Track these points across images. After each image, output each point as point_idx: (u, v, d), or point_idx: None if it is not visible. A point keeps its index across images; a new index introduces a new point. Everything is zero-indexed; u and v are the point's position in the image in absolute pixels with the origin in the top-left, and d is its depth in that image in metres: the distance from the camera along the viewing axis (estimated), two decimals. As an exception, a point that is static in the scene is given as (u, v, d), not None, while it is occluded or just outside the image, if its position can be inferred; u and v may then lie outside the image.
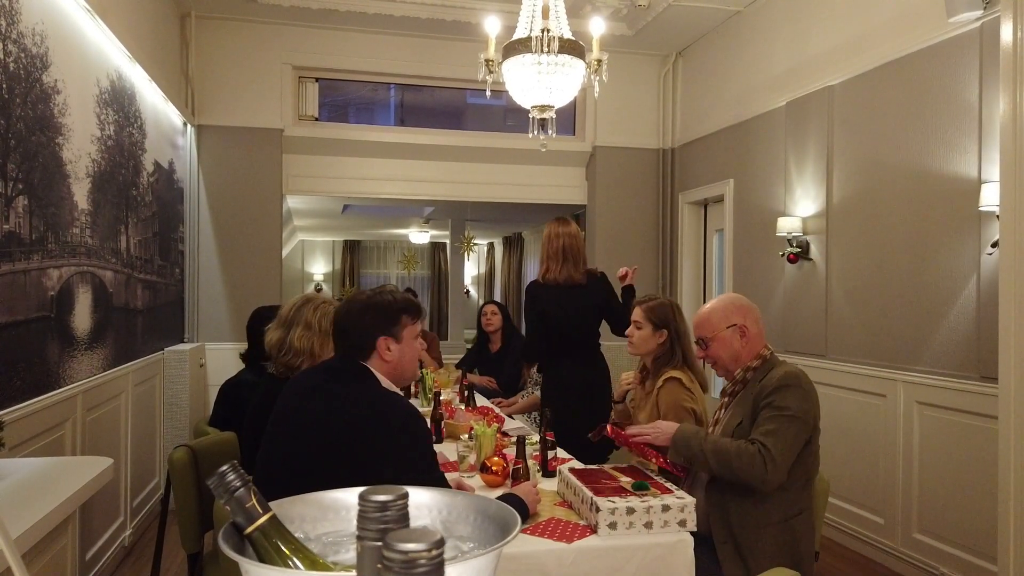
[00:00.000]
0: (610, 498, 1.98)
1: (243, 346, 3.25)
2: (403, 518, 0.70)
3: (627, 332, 2.91)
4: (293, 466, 1.90)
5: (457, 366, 5.06)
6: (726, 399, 2.42)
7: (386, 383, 2.02)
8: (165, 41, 4.81)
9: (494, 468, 2.40)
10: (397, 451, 1.89)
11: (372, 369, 2.01)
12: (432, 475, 1.93)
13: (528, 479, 2.34)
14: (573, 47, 3.09)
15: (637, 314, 2.89)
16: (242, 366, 3.20)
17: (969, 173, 3.44)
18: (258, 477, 1.97)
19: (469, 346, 5.96)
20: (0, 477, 1.71)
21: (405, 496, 0.71)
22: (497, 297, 13.27)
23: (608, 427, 2.47)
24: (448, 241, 9.78)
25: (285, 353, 2.59)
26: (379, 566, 0.60)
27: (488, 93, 3.28)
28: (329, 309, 2.67)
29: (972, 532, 3.36)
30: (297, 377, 2.17)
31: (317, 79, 5.82)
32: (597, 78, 3.22)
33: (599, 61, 3.21)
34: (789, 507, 2.19)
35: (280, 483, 1.48)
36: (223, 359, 5.18)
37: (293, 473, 1.83)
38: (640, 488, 2.05)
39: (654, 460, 2.36)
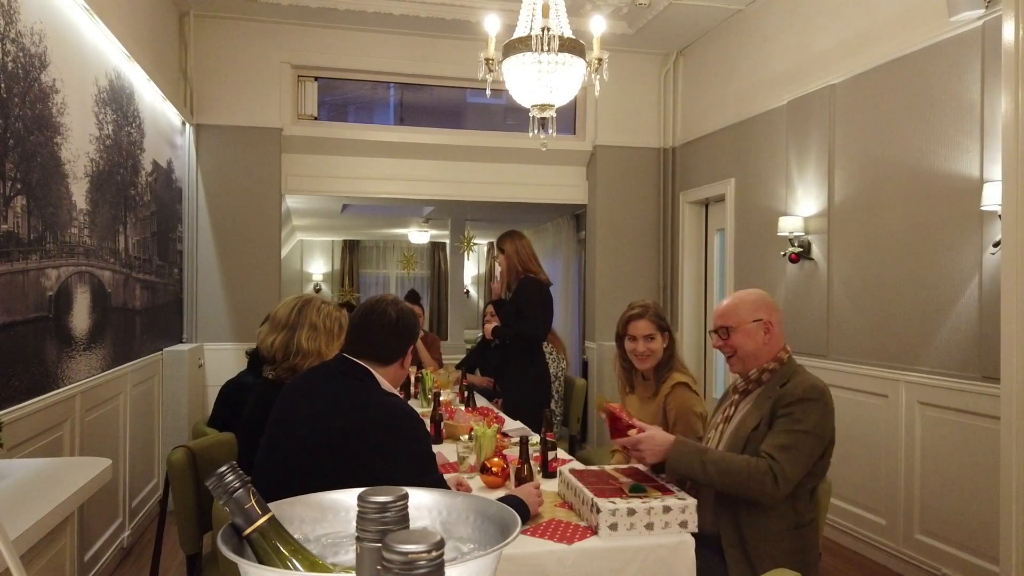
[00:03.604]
0: (611, 499, 1.97)
1: (242, 346, 3.24)
2: (403, 519, 0.69)
3: (641, 350, 2.80)
4: (293, 467, 1.90)
5: (457, 367, 5.05)
6: (736, 396, 2.35)
7: (386, 385, 2.03)
8: (164, 40, 4.80)
9: (494, 469, 2.39)
10: (396, 452, 1.88)
11: (374, 372, 2.01)
12: (431, 476, 1.93)
13: (532, 480, 2.33)
14: (573, 46, 3.08)
15: (647, 327, 2.79)
16: (243, 366, 3.18)
17: (971, 172, 3.43)
18: (257, 478, 1.96)
19: (469, 346, 5.96)
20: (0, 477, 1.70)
21: (405, 497, 0.70)
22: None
23: (617, 409, 2.33)
24: (448, 241, 9.77)
25: (294, 355, 2.58)
26: (379, 567, 0.59)
27: (488, 92, 3.26)
28: (329, 309, 2.68)
29: (974, 533, 3.36)
30: (297, 379, 2.17)
31: (316, 78, 5.81)
32: (597, 77, 3.21)
33: (599, 60, 3.20)
34: (800, 516, 2.16)
35: (280, 484, 1.47)
36: (222, 359, 5.17)
37: (293, 474, 1.82)
38: (637, 491, 2.03)
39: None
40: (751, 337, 2.28)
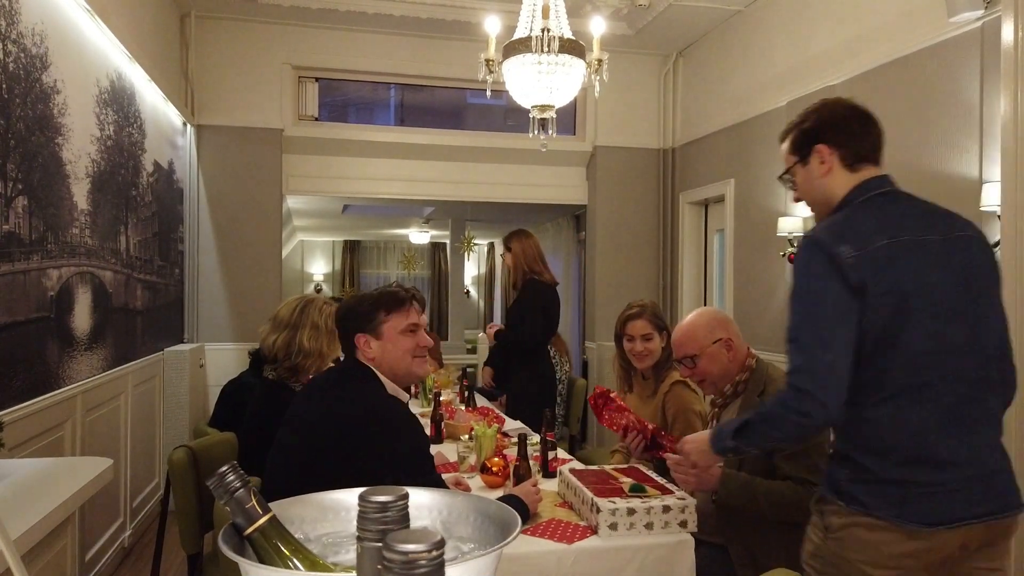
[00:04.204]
0: (611, 499, 1.97)
1: (243, 346, 3.25)
2: (403, 519, 0.70)
3: (639, 350, 2.84)
4: (296, 467, 1.91)
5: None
6: (716, 410, 2.35)
7: (390, 386, 2.03)
8: (165, 41, 4.81)
9: (494, 469, 2.39)
10: (393, 453, 1.89)
11: (374, 369, 2.02)
12: (428, 477, 1.93)
13: (529, 477, 2.33)
14: (573, 47, 3.08)
15: (644, 327, 2.83)
16: (244, 366, 3.19)
17: (970, 173, 3.43)
18: (266, 479, 1.98)
19: (469, 347, 5.95)
20: (0, 477, 1.71)
21: (405, 497, 0.70)
22: (497, 297, 13.25)
23: (612, 395, 2.38)
24: (448, 241, 9.77)
25: (296, 355, 2.59)
26: (379, 567, 0.59)
27: (488, 93, 3.27)
28: (331, 310, 2.69)
29: (973, 532, 3.35)
30: (313, 379, 2.20)
31: (317, 79, 5.81)
32: (597, 78, 3.21)
33: (599, 61, 3.20)
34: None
35: (285, 484, 1.48)
36: (223, 360, 5.17)
37: (296, 474, 1.83)
38: (636, 490, 2.04)
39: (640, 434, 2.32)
40: (716, 360, 2.27)
